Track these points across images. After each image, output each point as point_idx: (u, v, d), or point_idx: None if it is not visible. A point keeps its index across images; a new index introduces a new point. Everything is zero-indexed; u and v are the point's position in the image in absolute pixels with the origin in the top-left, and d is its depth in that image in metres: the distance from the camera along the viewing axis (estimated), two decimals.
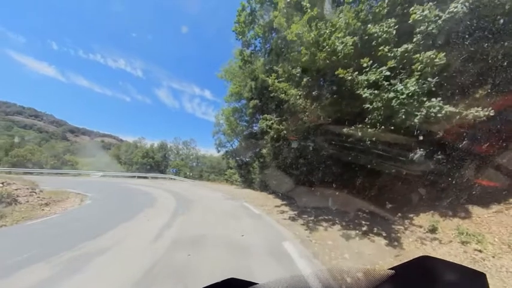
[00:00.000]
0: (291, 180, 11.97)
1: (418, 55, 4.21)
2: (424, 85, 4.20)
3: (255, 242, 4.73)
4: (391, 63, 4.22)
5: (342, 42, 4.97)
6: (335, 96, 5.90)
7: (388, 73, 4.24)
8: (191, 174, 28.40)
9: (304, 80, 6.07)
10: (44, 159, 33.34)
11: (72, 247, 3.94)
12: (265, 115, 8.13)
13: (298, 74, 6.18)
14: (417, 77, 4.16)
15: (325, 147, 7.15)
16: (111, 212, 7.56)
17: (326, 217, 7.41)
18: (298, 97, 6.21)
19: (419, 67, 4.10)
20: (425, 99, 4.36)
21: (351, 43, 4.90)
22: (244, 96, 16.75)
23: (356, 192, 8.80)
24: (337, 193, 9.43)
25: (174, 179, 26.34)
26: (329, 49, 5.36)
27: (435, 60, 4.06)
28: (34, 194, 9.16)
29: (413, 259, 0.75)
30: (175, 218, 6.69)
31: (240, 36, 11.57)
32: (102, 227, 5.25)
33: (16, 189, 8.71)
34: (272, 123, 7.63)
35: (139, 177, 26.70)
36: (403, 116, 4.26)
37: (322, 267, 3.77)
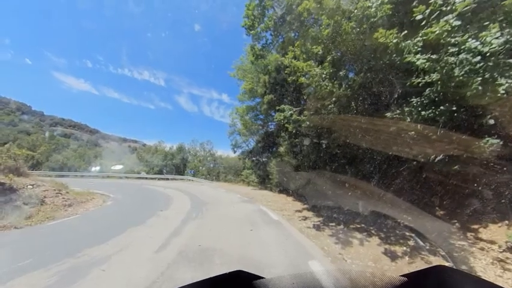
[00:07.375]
0: (312, 181, 10.77)
1: None
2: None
3: (273, 260, 3.87)
4: (465, 3, 2.84)
5: None
6: (368, 74, 4.64)
7: (458, 23, 2.90)
8: (208, 175, 28.38)
9: (329, 57, 4.89)
10: (78, 163, 36.55)
11: (76, 253, 3.97)
12: (282, 106, 7.07)
13: (319, 52, 5.02)
14: (503, 24, 2.76)
15: (356, 140, 5.88)
16: (127, 214, 7.87)
17: (359, 225, 6.13)
18: (322, 78, 5.04)
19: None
20: (511, 60, 2.98)
21: None
22: (258, 93, 16.03)
23: (393, 194, 7.31)
24: (368, 194, 8.00)
25: (192, 180, 26.46)
26: (358, 13, 4.19)
27: None
28: (60, 195, 9.42)
29: (427, 268, 0.76)
30: (186, 223, 6.31)
31: (250, 31, 11.03)
32: (112, 232, 5.29)
33: (44, 191, 9.02)
34: (291, 114, 6.57)
35: (159, 179, 27.49)
36: (479, 87, 2.94)
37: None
